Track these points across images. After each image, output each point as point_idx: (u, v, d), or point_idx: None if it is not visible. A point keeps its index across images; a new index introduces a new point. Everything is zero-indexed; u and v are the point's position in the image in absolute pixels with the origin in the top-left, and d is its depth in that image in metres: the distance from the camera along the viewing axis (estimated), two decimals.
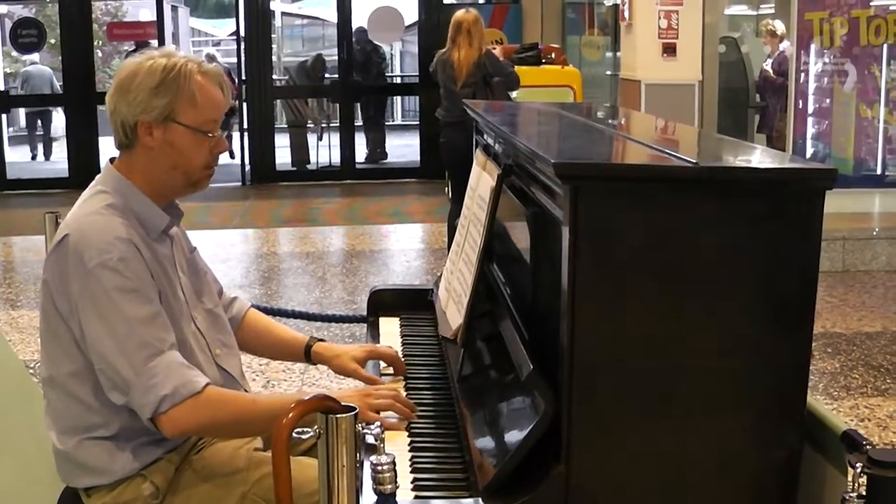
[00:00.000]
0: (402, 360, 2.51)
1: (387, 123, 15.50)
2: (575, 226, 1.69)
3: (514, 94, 7.55)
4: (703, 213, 1.72)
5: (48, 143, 16.04)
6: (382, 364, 2.51)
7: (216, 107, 2.24)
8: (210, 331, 2.36)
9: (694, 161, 1.78)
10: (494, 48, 8.07)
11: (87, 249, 2.10)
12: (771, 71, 10.39)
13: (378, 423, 1.73)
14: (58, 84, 15.01)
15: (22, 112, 16.17)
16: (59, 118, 16.52)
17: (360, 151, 13.06)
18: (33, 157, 15.93)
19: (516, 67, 9.14)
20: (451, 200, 7.56)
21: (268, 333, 2.62)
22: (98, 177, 2.29)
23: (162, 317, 2.15)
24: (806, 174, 1.82)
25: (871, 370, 5.31)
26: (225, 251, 8.45)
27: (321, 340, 2.56)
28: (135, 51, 11.38)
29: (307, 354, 2.54)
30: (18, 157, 15.15)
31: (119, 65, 2.30)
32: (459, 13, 7.32)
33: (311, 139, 13.41)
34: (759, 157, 2.15)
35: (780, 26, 10.29)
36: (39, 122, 16.06)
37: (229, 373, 2.36)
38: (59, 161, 13.54)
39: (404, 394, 2.29)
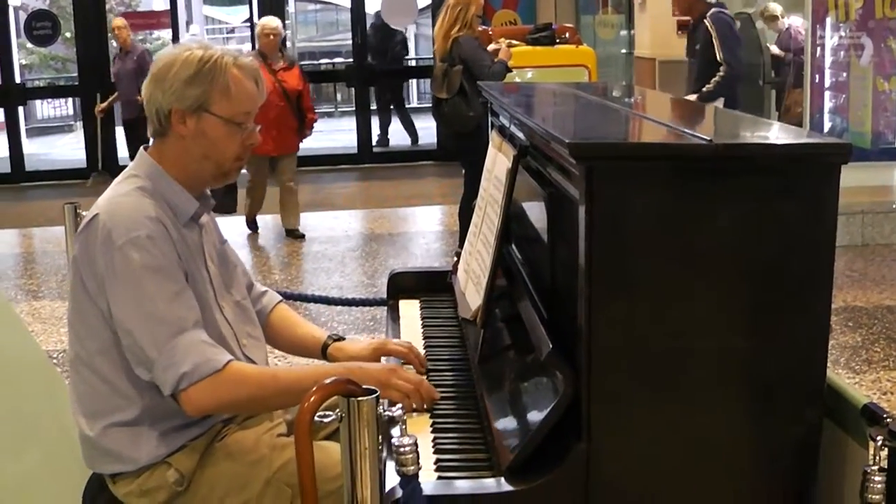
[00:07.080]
0: (420, 352, 2.46)
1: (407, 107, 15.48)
2: (590, 205, 1.69)
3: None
4: (719, 190, 1.72)
5: None
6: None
7: (250, 99, 2.27)
8: (237, 321, 2.38)
9: (708, 138, 1.78)
10: (490, 31, 7.65)
11: (115, 227, 2.13)
12: (778, 50, 10.42)
13: (400, 406, 1.74)
14: None
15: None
16: None
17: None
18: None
19: (531, 48, 9.11)
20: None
21: (289, 330, 2.63)
22: (131, 163, 2.33)
23: (187, 295, 2.17)
24: (821, 149, 1.82)
25: (893, 343, 5.30)
26: (244, 237, 8.48)
27: (340, 339, 2.57)
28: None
29: (324, 354, 2.56)
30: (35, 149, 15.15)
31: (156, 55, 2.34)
32: None
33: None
34: (774, 133, 2.14)
35: (777, 8, 10.30)
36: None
37: (255, 363, 2.38)
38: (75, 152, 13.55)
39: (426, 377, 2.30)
